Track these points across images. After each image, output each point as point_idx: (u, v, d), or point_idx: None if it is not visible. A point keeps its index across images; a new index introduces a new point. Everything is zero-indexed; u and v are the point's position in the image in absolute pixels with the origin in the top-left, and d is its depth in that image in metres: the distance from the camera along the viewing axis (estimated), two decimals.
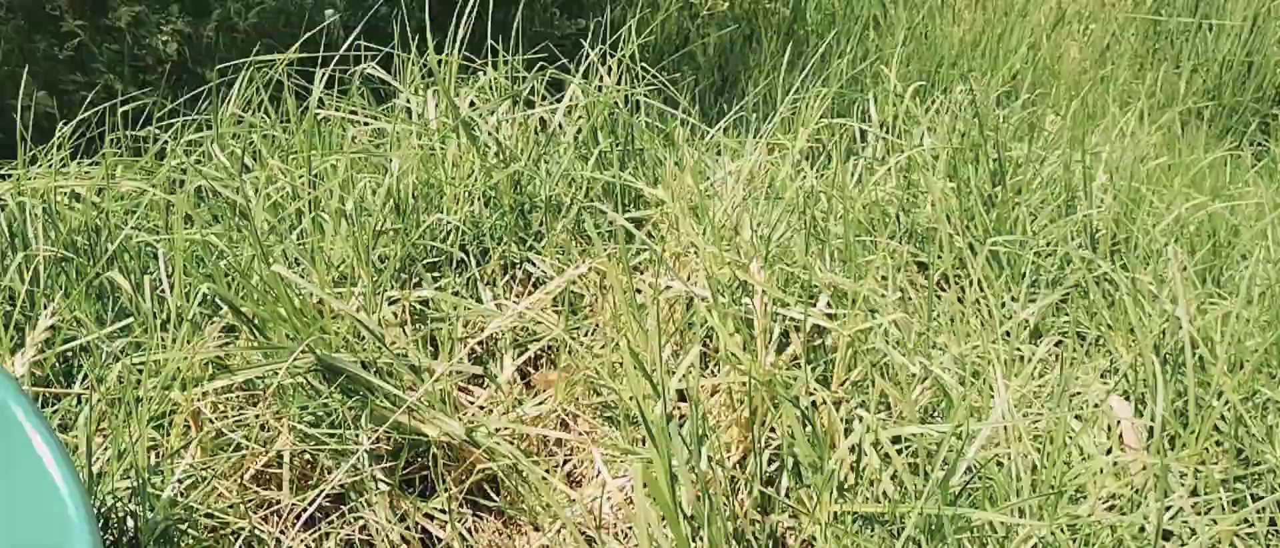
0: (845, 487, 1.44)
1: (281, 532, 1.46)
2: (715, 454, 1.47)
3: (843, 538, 1.38)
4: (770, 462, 1.52)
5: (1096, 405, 1.79)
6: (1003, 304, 1.95)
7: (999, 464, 1.52)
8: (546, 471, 1.62)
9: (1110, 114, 3.79)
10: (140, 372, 1.57)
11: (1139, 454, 1.58)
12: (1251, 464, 1.68)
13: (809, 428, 1.42)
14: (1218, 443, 1.77)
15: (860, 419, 1.48)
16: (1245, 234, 2.49)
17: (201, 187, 2.00)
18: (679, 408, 1.59)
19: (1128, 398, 1.88)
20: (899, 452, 1.48)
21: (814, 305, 1.68)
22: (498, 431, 1.67)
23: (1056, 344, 1.98)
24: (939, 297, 1.90)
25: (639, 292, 1.75)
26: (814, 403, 1.43)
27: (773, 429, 1.56)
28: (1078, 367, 1.87)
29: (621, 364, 1.71)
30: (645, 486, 1.28)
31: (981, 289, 1.90)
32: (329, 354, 1.47)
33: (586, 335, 1.81)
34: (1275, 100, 4.55)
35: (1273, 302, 1.95)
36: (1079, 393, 1.86)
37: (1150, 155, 3.22)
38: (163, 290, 1.70)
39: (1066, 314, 2.11)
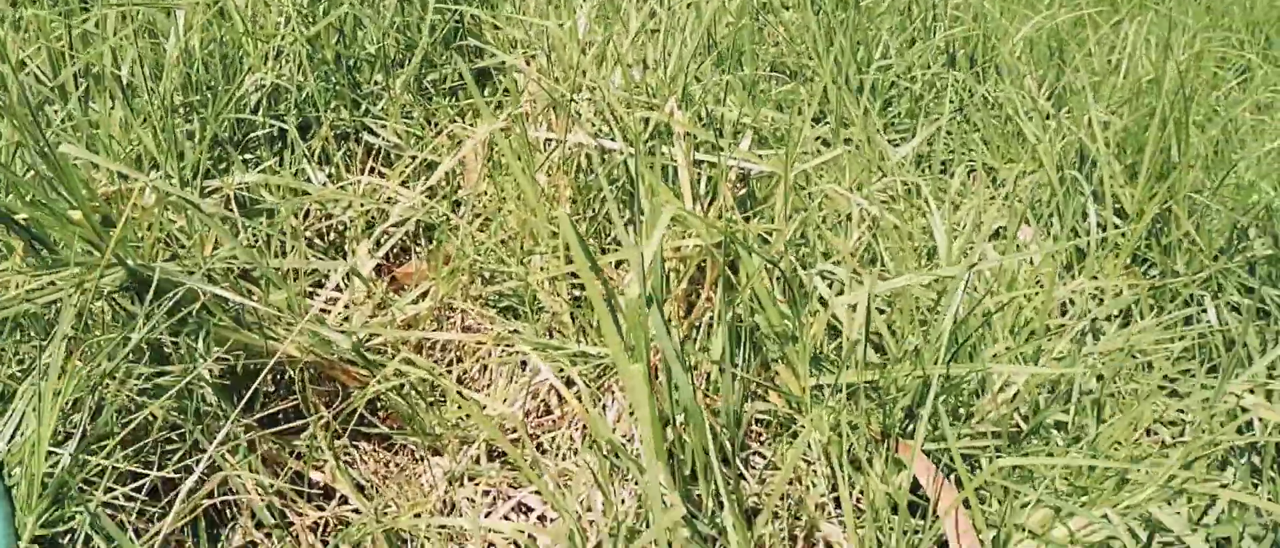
0: (819, 357, 1.22)
1: (126, 507, 1.09)
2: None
3: (829, 416, 1.16)
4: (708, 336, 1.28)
5: (1002, 234, 1.65)
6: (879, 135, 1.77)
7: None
8: (435, 381, 1.31)
9: None
10: None
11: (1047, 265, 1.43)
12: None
13: (781, 289, 1.18)
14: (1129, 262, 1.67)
15: (824, 277, 1.25)
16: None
17: None
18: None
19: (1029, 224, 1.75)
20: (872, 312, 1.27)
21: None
22: (372, 339, 1.34)
23: (968, 175, 1.82)
24: (825, 141, 1.69)
25: (519, 158, 1.43)
26: (773, 261, 1.18)
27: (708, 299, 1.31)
28: (982, 197, 1.72)
29: (510, 243, 1.40)
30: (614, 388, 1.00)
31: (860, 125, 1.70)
32: (147, 264, 1.08)
33: (457, 214, 1.49)
34: None
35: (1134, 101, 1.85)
36: (992, 225, 1.71)
37: None
38: None
39: (948, 143, 1.96)
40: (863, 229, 1.42)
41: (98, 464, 1.10)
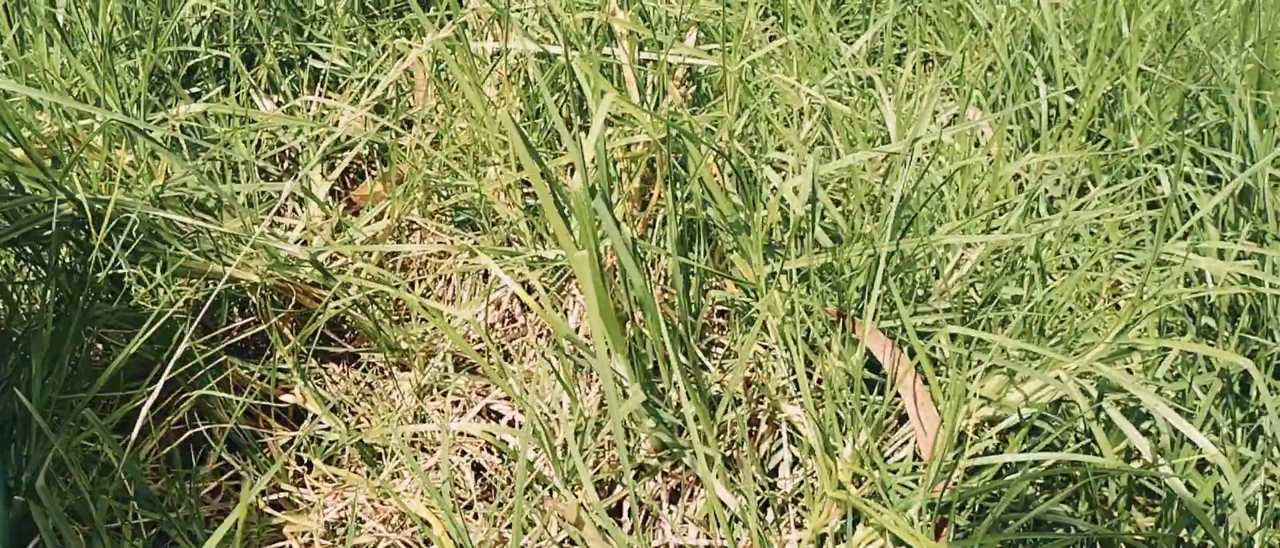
0: (773, 246, 1.23)
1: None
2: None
3: (786, 302, 1.18)
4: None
5: (954, 120, 1.66)
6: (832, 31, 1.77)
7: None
8: (397, 296, 1.32)
9: None
10: None
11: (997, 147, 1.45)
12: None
13: (730, 178, 1.19)
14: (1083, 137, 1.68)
15: (775, 168, 1.26)
16: None
17: None
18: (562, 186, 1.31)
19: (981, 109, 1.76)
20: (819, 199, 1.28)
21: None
22: (333, 261, 1.35)
23: (921, 63, 1.83)
24: (773, 36, 1.69)
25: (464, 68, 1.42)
26: (722, 153, 1.19)
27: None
28: (934, 84, 1.73)
29: (462, 158, 1.41)
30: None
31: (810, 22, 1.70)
32: (101, 199, 1.08)
33: (407, 132, 1.49)
34: None
35: None
36: (940, 111, 1.72)
37: None
38: None
39: (900, 35, 1.96)
40: (814, 120, 1.42)
41: (65, 399, 1.12)
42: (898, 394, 1.16)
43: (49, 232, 1.08)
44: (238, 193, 1.27)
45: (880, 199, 1.28)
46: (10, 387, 1.04)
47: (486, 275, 1.36)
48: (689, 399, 1.09)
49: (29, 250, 1.13)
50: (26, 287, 1.17)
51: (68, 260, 1.14)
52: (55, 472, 1.01)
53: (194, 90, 1.49)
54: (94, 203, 1.09)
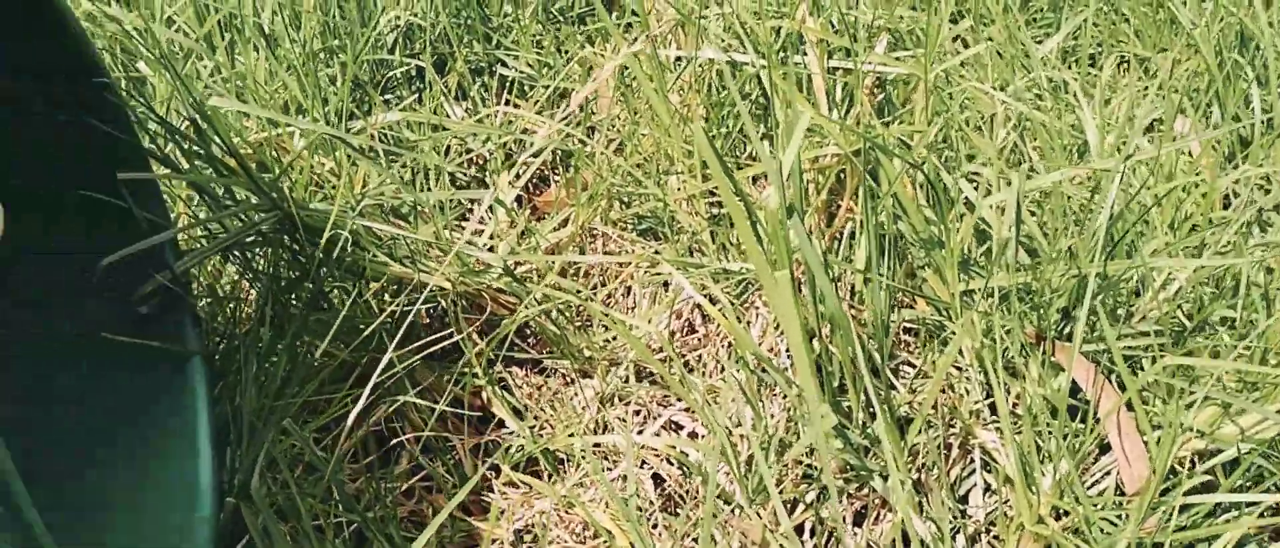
0: (968, 262, 1.19)
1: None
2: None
3: (981, 321, 1.13)
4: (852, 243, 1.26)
5: (1157, 127, 1.57)
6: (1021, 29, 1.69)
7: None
8: (582, 305, 1.33)
9: None
10: None
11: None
12: None
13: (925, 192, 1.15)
14: None
15: (970, 180, 1.22)
16: None
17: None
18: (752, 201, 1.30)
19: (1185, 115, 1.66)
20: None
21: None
22: (519, 266, 1.37)
23: (1119, 67, 1.74)
24: (964, 41, 1.63)
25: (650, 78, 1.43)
26: (916, 165, 1.16)
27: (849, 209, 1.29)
28: (1135, 88, 1.63)
29: (645, 166, 1.41)
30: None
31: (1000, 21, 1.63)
32: (306, 207, 1.13)
33: (591, 139, 1.50)
34: None
35: None
36: (1146, 118, 1.63)
37: None
38: None
39: (1095, 36, 1.87)
40: (1008, 129, 1.37)
41: (276, 405, 1.17)
42: (1098, 419, 1.11)
43: (257, 239, 1.14)
44: (433, 201, 1.31)
45: (1083, 214, 1.22)
46: (226, 393, 1.10)
47: (668, 285, 1.36)
48: (880, 419, 1.07)
49: (240, 257, 1.19)
50: (239, 295, 1.23)
51: (278, 269, 1.19)
52: (265, 469, 1.06)
53: (387, 98, 1.54)
54: (301, 212, 1.13)
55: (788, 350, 1.25)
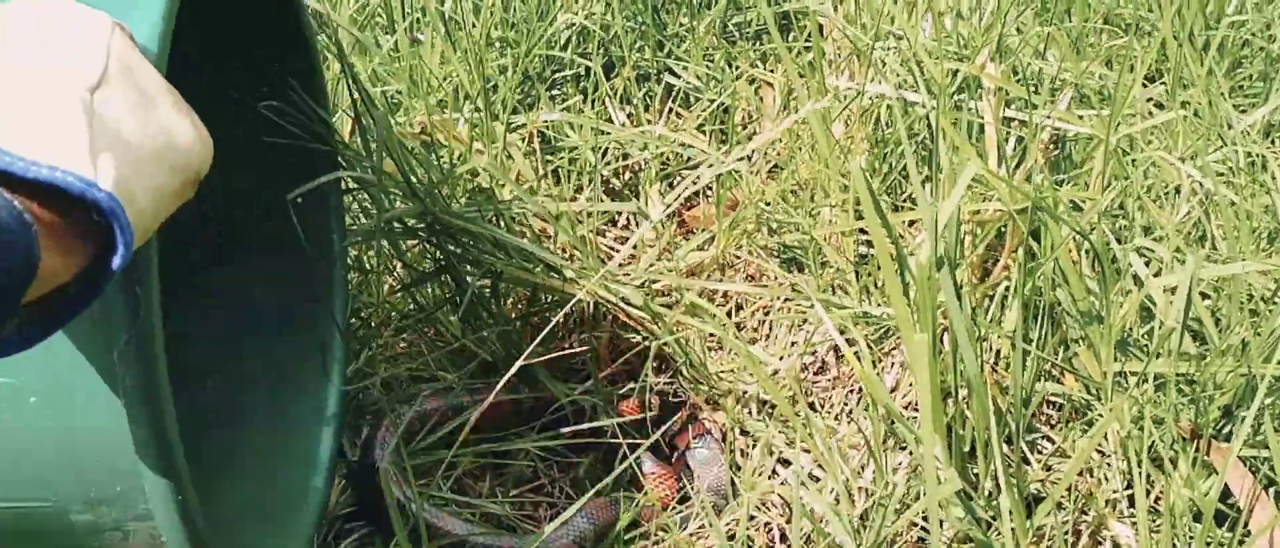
0: (1126, 342, 1.12)
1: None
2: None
3: (1132, 407, 1.06)
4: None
5: None
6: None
7: None
8: (719, 334, 1.31)
9: None
10: None
11: None
12: None
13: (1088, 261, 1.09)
14: None
15: (1142, 254, 1.14)
16: None
17: None
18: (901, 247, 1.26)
19: None
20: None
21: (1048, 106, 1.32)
22: (655, 283, 1.36)
23: None
24: (1157, 103, 1.53)
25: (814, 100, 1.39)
26: (1083, 232, 1.09)
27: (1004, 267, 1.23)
28: None
29: (799, 194, 1.38)
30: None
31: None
32: (449, 212, 1.14)
33: (747, 160, 1.48)
34: None
35: None
36: None
37: None
38: None
39: None
40: (1193, 204, 1.28)
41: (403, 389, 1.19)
42: (1248, 532, 1.03)
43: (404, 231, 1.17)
44: (583, 208, 1.31)
45: (1265, 308, 1.14)
46: (361, 373, 1.14)
47: (805, 321, 1.32)
48: (1006, 493, 1.01)
49: (389, 245, 1.22)
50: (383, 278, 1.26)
51: (422, 262, 1.22)
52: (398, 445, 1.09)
53: (552, 94, 1.55)
54: (449, 215, 1.15)
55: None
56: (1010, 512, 1.00)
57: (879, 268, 1.29)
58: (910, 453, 1.14)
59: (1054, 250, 1.06)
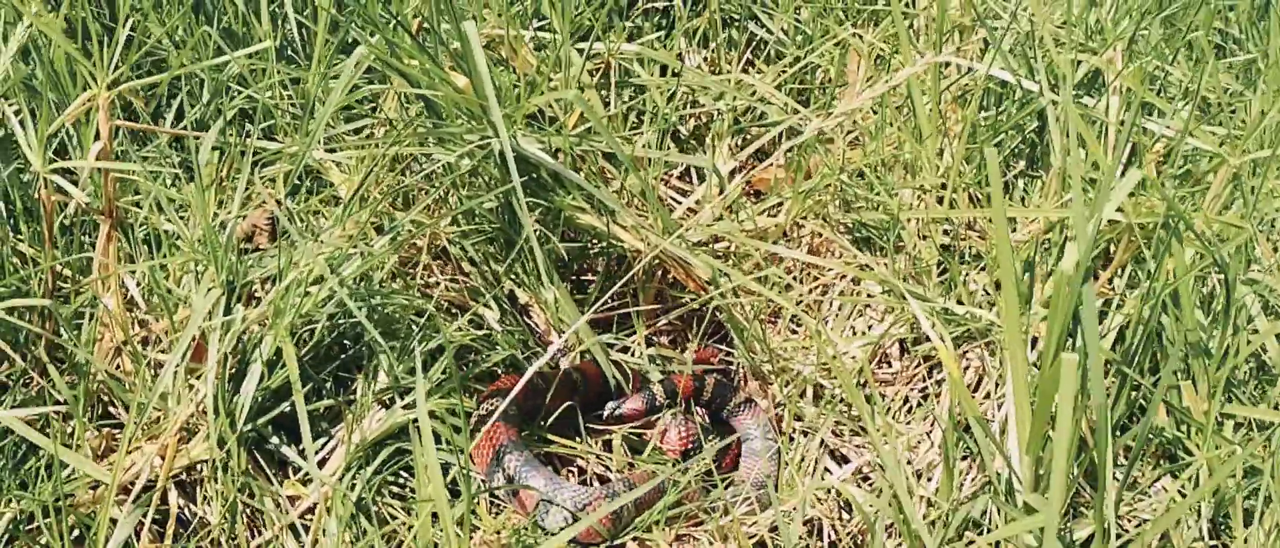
0: (1232, 383, 1.03)
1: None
2: None
3: (1228, 453, 0.98)
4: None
5: None
6: None
7: None
8: (782, 302, 1.22)
9: None
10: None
11: None
12: None
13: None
14: None
15: (1259, 293, 1.05)
16: None
17: None
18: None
19: None
20: None
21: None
22: (716, 242, 1.27)
23: None
24: None
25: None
26: (1222, 261, 1.00)
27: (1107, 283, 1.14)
28: None
29: (883, 169, 1.28)
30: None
31: None
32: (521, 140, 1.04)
33: (825, 125, 1.37)
34: None
35: None
36: None
37: None
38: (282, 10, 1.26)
39: None
40: None
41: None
42: None
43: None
44: (647, 153, 1.21)
45: None
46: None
47: (869, 306, 1.23)
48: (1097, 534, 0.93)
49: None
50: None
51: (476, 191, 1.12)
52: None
53: (631, 25, 1.43)
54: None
55: (992, 419, 1.11)
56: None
57: (965, 262, 1.20)
58: (981, 466, 1.06)
59: (1175, 276, 0.97)
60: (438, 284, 1.15)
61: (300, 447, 0.92)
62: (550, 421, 1.13)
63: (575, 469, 1.15)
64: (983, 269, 1.19)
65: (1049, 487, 0.93)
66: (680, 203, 1.33)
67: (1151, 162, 1.16)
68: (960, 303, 1.14)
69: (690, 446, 1.15)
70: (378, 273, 1.04)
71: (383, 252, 1.01)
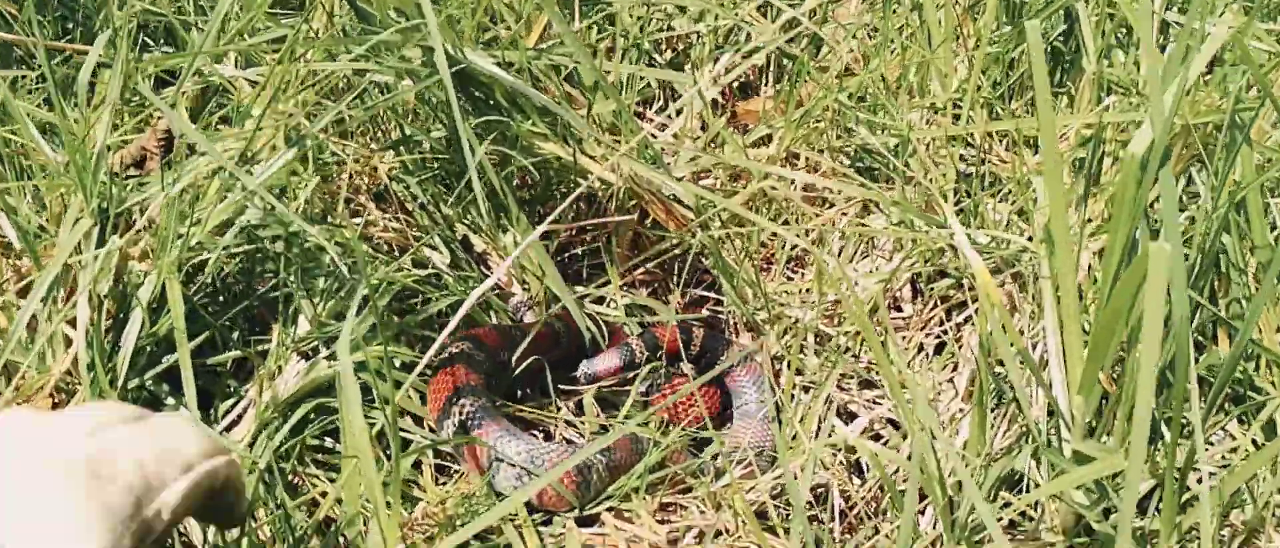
0: None
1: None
2: None
3: None
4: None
5: None
6: None
7: None
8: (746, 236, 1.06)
9: None
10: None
11: None
12: None
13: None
14: None
15: None
16: None
17: None
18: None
19: None
20: None
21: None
22: (702, 178, 1.11)
23: None
24: None
25: None
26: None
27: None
28: None
29: (888, 89, 1.12)
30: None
31: None
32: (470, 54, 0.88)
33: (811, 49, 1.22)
34: None
35: None
36: None
37: None
38: None
39: None
40: None
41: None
42: None
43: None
44: (618, 73, 1.06)
45: None
46: None
47: (874, 242, 1.08)
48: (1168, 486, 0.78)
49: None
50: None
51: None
52: None
53: None
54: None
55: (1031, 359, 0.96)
56: (1165, 512, 0.76)
57: (986, 184, 1.05)
58: (1016, 417, 0.90)
59: (1244, 183, 0.82)
60: (377, 225, 0.98)
61: (198, 405, 0.76)
62: (519, 370, 0.96)
63: (541, 433, 0.99)
64: (1003, 199, 1.04)
65: (1113, 430, 0.78)
66: (657, 137, 1.17)
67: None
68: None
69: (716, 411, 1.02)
70: (294, 200, 0.87)
71: (290, 162, 0.84)
